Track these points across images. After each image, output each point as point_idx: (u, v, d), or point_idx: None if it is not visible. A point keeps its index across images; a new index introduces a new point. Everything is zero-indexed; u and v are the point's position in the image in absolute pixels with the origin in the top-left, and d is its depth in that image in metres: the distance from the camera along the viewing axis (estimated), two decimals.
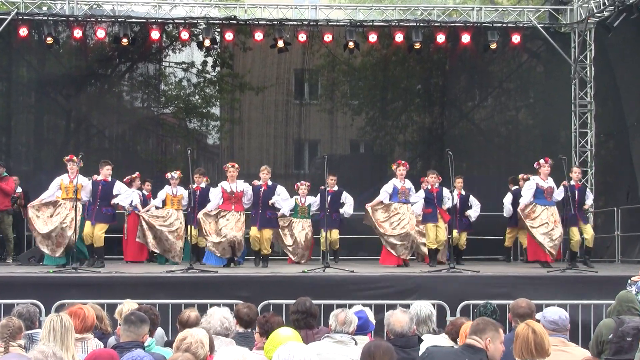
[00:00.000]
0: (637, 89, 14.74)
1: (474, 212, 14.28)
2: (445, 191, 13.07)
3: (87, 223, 12.24)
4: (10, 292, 8.92)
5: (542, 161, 12.56)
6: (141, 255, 14.09)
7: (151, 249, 13.57)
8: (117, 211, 12.95)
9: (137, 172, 14.50)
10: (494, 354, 4.59)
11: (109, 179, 12.29)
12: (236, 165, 12.66)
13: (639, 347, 5.23)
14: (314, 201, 14.18)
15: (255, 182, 12.87)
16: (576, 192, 12.81)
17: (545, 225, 12.40)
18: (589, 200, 13.20)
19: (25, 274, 10.70)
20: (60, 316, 5.11)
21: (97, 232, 12.23)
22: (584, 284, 10.42)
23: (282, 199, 12.95)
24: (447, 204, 13.00)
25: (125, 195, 12.58)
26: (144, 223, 13.26)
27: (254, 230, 12.72)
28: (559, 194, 12.64)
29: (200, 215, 12.41)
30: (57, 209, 12.01)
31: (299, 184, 14.46)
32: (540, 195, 12.52)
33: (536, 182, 12.57)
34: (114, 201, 12.39)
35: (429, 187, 13.22)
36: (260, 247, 12.74)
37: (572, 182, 12.85)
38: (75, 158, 12.01)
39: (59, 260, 12.07)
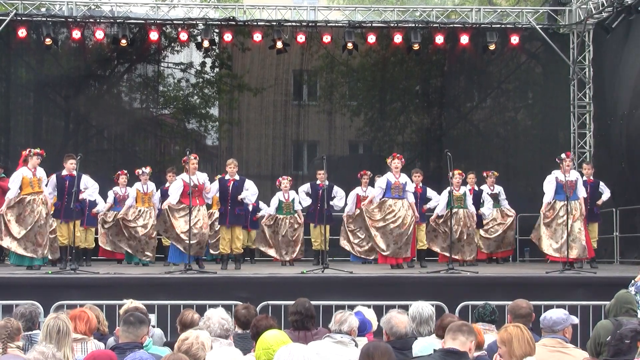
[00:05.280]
0: (635, 89, 14.72)
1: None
2: (430, 191, 13.11)
3: (58, 222, 11.88)
4: (9, 292, 8.90)
5: (563, 155, 11.88)
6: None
7: (123, 249, 13.36)
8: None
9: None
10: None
11: (74, 173, 11.36)
12: (196, 156, 11.67)
13: (638, 349, 5.24)
14: (304, 197, 13.84)
15: (219, 177, 12.28)
16: (587, 187, 12.66)
17: (558, 224, 11.87)
18: (605, 195, 12.84)
19: (24, 275, 10.70)
20: (58, 317, 5.11)
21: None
22: (582, 284, 10.42)
23: (251, 194, 12.19)
24: (430, 204, 13.00)
25: (93, 189, 12.13)
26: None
27: (223, 230, 12.09)
28: (581, 191, 12.45)
29: (165, 206, 11.69)
30: (26, 207, 11.34)
31: (280, 179, 14.08)
32: (560, 190, 11.84)
33: (556, 175, 11.91)
34: (82, 196, 11.96)
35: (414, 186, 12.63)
36: (232, 248, 12.04)
37: (584, 178, 12.78)
38: (33, 151, 11.62)
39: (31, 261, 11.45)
